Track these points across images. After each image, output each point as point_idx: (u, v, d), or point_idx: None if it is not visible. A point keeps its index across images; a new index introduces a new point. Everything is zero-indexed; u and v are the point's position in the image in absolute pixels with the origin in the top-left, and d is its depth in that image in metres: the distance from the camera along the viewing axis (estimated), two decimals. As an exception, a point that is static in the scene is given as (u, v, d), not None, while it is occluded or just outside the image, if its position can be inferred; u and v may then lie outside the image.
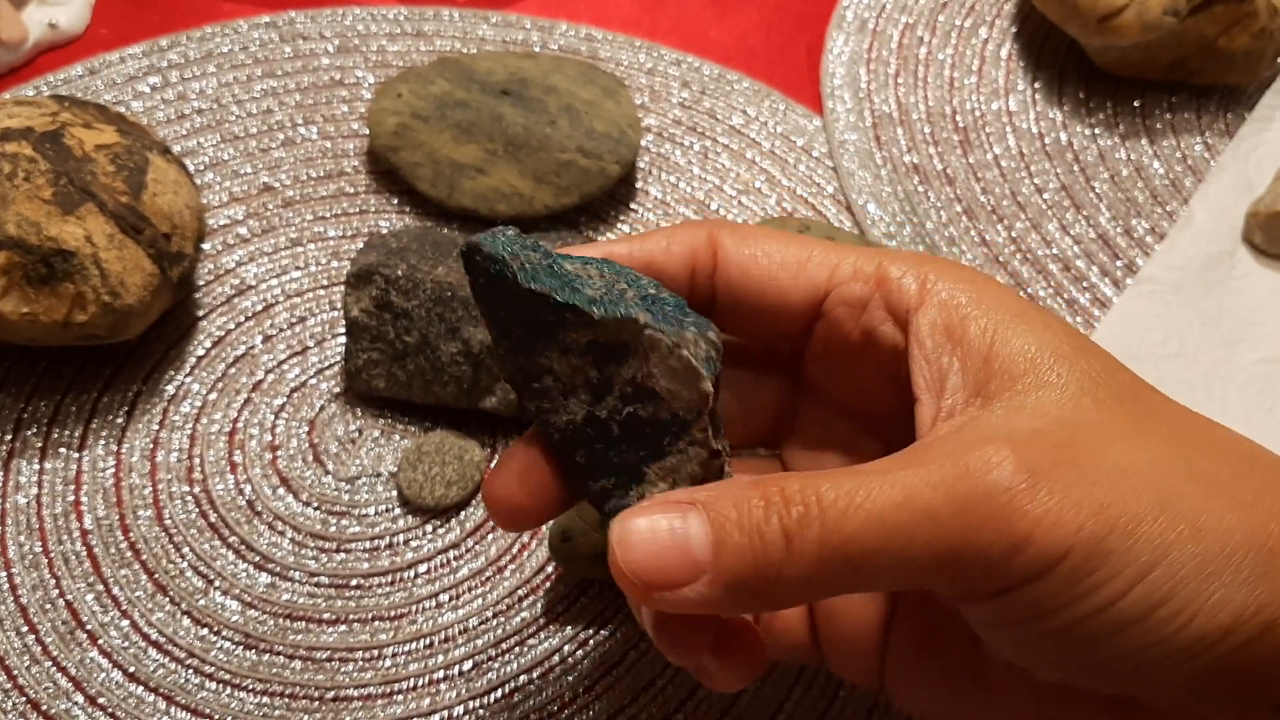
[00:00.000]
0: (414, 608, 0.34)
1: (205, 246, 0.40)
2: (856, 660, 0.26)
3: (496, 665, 0.33)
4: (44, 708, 0.31)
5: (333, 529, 0.35)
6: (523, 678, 0.33)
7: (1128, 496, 0.20)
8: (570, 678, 0.33)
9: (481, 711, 0.32)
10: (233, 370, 0.38)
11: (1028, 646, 0.21)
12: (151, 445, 0.36)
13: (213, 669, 0.32)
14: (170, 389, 0.37)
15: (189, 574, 0.34)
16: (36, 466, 0.35)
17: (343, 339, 0.38)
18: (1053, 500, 0.19)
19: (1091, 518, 0.19)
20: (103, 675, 0.32)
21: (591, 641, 0.33)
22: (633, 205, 0.43)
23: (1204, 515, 0.20)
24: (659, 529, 0.20)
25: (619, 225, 0.42)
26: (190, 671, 0.32)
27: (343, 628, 0.33)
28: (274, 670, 0.32)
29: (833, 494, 0.20)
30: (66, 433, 0.36)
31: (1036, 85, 0.48)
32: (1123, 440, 0.21)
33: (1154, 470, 0.20)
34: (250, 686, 0.32)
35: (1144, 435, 0.21)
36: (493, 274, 0.22)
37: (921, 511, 0.19)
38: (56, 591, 0.33)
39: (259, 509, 0.35)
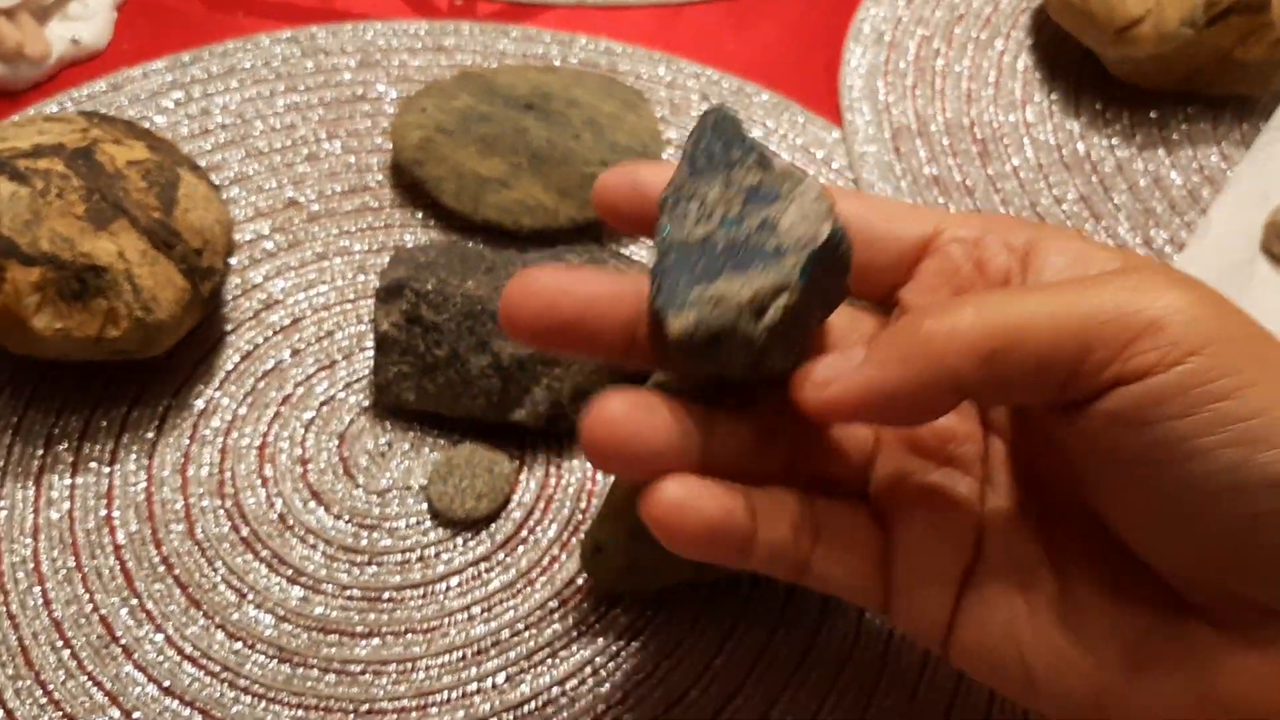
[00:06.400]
0: (446, 620, 0.34)
1: (232, 261, 0.41)
2: (923, 610, 0.25)
3: (529, 677, 0.33)
4: (80, 722, 0.31)
5: (364, 542, 0.35)
6: (555, 689, 0.33)
7: (1262, 330, 0.21)
8: (603, 689, 0.33)
9: (516, 723, 0.32)
10: (262, 384, 0.38)
11: (1156, 470, 0.21)
12: (182, 459, 0.36)
13: (247, 682, 0.32)
14: (200, 403, 0.37)
15: (222, 588, 0.34)
16: (68, 482, 0.36)
17: (370, 352, 0.39)
18: (1201, 293, 0.21)
19: (1238, 326, 0.21)
20: (138, 689, 0.32)
21: (623, 653, 0.33)
22: (655, 218, 0.43)
23: None
24: (830, 356, 0.24)
25: (643, 238, 0.42)
26: (225, 685, 0.32)
27: (375, 641, 0.33)
28: (308, 684, 0.33)
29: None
30: (97, 448, 0.36)
31: (1053, 96, 0.48)
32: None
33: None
34: (285, 700, 0.32)
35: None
36: (722, 117, 0.26)
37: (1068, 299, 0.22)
38: (90, 606, 0.33)
39: (290, 522, 0.35)
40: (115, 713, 0.32)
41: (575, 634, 0.34)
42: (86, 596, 0.34)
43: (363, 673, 0.33)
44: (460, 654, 0.33)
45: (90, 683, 0.32)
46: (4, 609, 0.33)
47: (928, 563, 0.25)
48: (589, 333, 0.25)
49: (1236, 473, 0.20)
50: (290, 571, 0.34)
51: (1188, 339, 0.20)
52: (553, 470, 0.37)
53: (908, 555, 0.26)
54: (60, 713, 0.32)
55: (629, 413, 0.24)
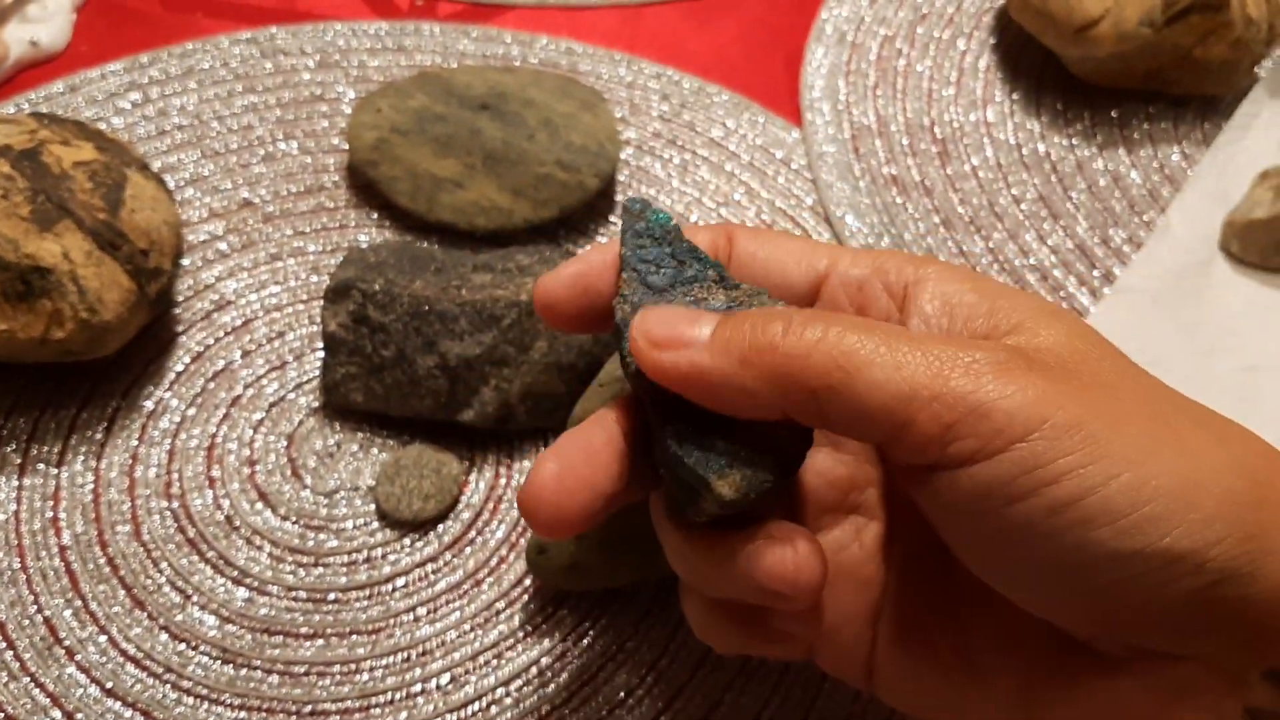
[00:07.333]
0: (391, 621, 0.34)
1: (185, 262, 0.40)
2: (844, 655, 0.26)
3: (474, 678, 0.33)
4: (21, 724, 0.31)
5: (311, 543, 0.35)
6: (500, 690, 0.33)
7: (1117, 399, 0.20)
8: (548, 689, 0.33)
9: (458, 725, 0.32)
10: (211, 385, 0.38)
11: (1005, 547, 0.21)
12: (130, 461, 0.36)
13: (190, 684, 0.32)
14: (149, 404, 0.37)
15: (166, 589, 0.34)
16: (15, 483, 0.35)
17: (321, 354, 0.38)
18: (1037, 378, 0.20)
19: (1076, 401, 0.20)
20: (80, 691, 0.32)
21: (568, 653, 0.33)
22: (612, 218, 0.43)
23: (1191, 437, 0.20)
24: (678, 310, 0.23)
25: (599, 238, 0.42)
26: (168, 687, 0.32)
27: (320, 642, 0.33)
28: (251, 685, 0.32)
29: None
30: (45, 449, 0.36)
31: (1014, 96, 0.48)
32: (1114, 362, 0.22)
33: (1145, 390, 0.21)
34: (228, 701, 0.32)
35: (1133, 369, 0.22)
36: (655, 222, 0.26)
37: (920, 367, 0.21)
38: (35, 607, 0.33)
39: (237, 524, 0.35)
40: (57, 714, 0.32)
41: (521, 634, 0.34)
42: (31, 598, 0.33)
43: (306, 674, 0.33)
44: (405, 655, 0.33)
45: (33, 684, 0.32)
46: (-53, 611, 0.33)
47: (837, 613, 0.26)
48: (610, 506, 0.25)
49: (1078, 552, 0.20)
50: (236, 573, 0.34)
51: (1014, 427, 0.19)
52: (502, 471, 0.37)
53: (821, 609, 0.26)
54: (2, 714, 0.31)
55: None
